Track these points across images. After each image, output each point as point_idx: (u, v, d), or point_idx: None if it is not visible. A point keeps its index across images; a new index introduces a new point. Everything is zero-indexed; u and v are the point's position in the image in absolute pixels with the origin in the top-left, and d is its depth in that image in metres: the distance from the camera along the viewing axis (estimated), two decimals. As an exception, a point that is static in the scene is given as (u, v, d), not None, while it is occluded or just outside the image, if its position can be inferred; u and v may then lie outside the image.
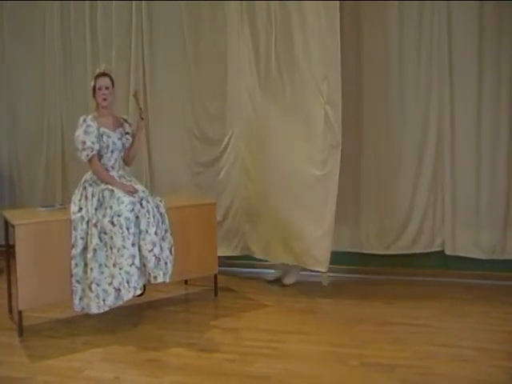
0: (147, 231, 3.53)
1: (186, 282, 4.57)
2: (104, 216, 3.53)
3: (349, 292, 4.38)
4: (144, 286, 3.68)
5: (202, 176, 4.93)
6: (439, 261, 4.60)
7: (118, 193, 3.56)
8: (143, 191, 3.68)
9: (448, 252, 4.54)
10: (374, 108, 4.64)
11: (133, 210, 3.49)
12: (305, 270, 4.54)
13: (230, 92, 4.74)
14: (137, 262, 3.46)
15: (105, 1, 5.05)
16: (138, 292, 3.53)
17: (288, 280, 4.55)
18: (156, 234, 3.57)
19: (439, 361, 3.10)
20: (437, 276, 4.59)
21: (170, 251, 3.72)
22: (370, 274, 4.72)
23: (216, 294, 4.33)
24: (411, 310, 3.91)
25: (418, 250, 4.62)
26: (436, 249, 4.60)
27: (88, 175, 3.74)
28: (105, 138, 3.69)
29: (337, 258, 4.68)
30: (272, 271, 4.73)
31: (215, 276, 4.32)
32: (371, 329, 3.60)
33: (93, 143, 3.63)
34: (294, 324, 3.71)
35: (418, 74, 4.53)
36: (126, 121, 3.94)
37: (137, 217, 3.51)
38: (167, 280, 3.66)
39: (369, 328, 3.61)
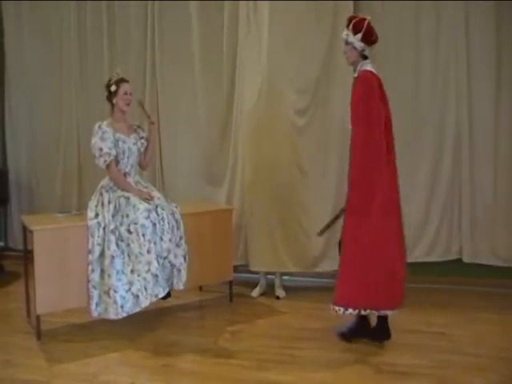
0: (162, 238, 3.56)
1: (200, 288, 4.59)
2: (121, 224, 3.56)
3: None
4: (169, 291, 3.68)
5: (215, 181, 4.95)
6: (456, 268, 4.56)
7: (134, 200, 3.59)
8: (158, 198, 3.70)
9: (465, 260, 4.50)
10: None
11: (148, 216, 3.52)
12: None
13: (239, 97, 4.72)
14: (153, 268, 3.48)
15: (120, 1, 5.10)
16: (155, 299, 3.52)
17: (280, 292, 4.50)
18: (170, 241, 3.60)
19: (456, 369, 3.07)
20: (454, 283, 4.55)
21: (184, 258, 3.74)
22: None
23: (231, 301, 4.34)
24: (428, 318, 3.88)
25: (434, 258, 4.58)
26: (453, 257, 4.56)
27: (105, 181, 3.76)
28: (120, 143, 3.71)
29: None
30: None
31: (230, 282, 4.33)
32: (387, 336, 3.58)
33: (110, 149, 3.65)
34: (310, 330, 3.70)
35: (435, 76, 4.51)
36: (139, 127, 3.98)
37: (154, 224, 3.53)
38: (181, 287, 3.71)
39: (384, 335, 3.59)
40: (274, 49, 4.41)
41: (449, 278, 4.58)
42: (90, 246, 3.58)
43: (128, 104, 3.79)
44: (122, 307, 3.50)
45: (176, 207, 3.79)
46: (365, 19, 3.34)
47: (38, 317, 3.55)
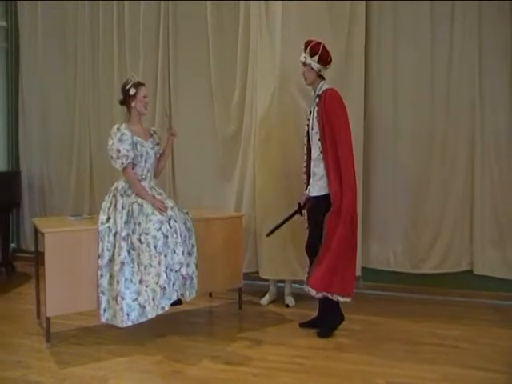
0: (175, 251, 3.53)
1: (210, 294, 4.58)
2: (133, 232, 3.55)
3: (375, 309, 4.32)
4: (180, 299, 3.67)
5: (224, 187, 4.94)
6: (468, 281, 4.52)
7: (147, 209, 3.56)
8: (171, 208, 3.65)
9: (477, 272, 4.46)
10: (401, 123, 4.59)
11: (160, 228, 3.50)
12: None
13: (251, 105, 4.71)
14: (161, 281, 3.45)
15: (132, 0, 5.13)
16: (161, 311, 3.50)
17: (290, 301, 4.48)
18: (183, 253, 3.59)
19: None
20: (465, 296, 4.50)
21: (196, 266, 3.74)
22: (397, 291, 4.65)
23: (240, 308, 4.32)
24: (439, 330, 3.83)
25: (445, 269, 4.54)
26: (464, 268, 4.51)
27: (120, 184, 3.72)
28: (139, 146, 3.69)
29: (363, 274, 4.64)
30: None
31: (240, 289, 4.32)
32: (398, 347, 3.54)
33: (127, 151, 3.62)
34: (320, 340, 3.68)
35: (449, 85, 4.48)
36: (155, 132, 3.96)
37: (166, 236, 3.51)
38: (193, 295, 3.72)
39: (396, 346, 3.56)
40: (286, 53, 4.39)
41: (460, 291, 4.54)
42: (99, 250, 3.58)
43: (146, 107, 3.80)
44: (127, 315, 3.48)
45: (187, 213, 3.79)
46: (320, 43, 3.71)
47: (47, 319, 3.55)
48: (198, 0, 4.90)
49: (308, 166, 3.87)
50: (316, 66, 3.71)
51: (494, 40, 4.33)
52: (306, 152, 3.89)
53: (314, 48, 3.70)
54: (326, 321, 3.80)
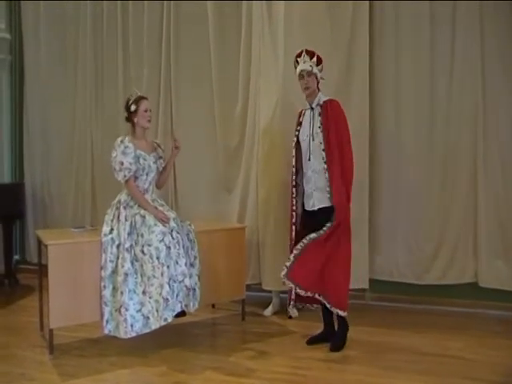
0: (177, 262, 3.54)
1: (213, 305, 4.58)
2: (136, 244, 3.57)
3: (379, 320, 4.31)
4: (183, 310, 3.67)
5: (227, 198, 4.94)
6: (472, 292, 4.49)
7: (150, 220, 3.58)
8: (174, 219, 3.67)
9: (482, 284, 4.43)
10: (404, 130, 4.58)
11: (163, 239, 3.51)
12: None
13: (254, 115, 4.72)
14: (164, 292, 3.46)
15: (135, 0, 5.18)
16: (164, 323, 3.49)
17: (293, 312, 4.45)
18: (186, 264, 3.59)
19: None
20: (469, 307, 4.48)
21: (199, 278, 3.74)
22: (402, 302, 4.63)
23: (243, 319, 4.32)
24: (443, 341, 3.82)
25: (449, 281, 4.52)
26: (468, 280, 4.49)
27: (122, 197, 3.75)
28: (141, 160, 3.72)
29: (370, 286, 4.62)
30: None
31: (243, 301, 4.32)
32: (401, 358, 3.52)
33: (130, 164, 3.65)
34: (322, 351, 3.66)
35: (450, 94, 4.47)
36: (159, 146, 3.99)
37: (169, 247, 3.53)
38: (196, 306, 3.72)
39: (399, 357, 3.54)
40: (289, 61, 4.36)
41: (464, 301, 4.51)
42: (102, 262, 3.59)
43: (149, 121, 3.82)
44: (131, 326, 3.49)
45: (190, 225, 3.80)
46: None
47: (51, 330, 3.56)
48: (199, 0, 4.91)
49: (297, 180, 3.79)
50: (320, 74, 3.66)
51: (495, 41, 4.32)
52: (294, 164, 3.80)
53: (319, 57, 3.64)
54: (339, 335, 3.73)
